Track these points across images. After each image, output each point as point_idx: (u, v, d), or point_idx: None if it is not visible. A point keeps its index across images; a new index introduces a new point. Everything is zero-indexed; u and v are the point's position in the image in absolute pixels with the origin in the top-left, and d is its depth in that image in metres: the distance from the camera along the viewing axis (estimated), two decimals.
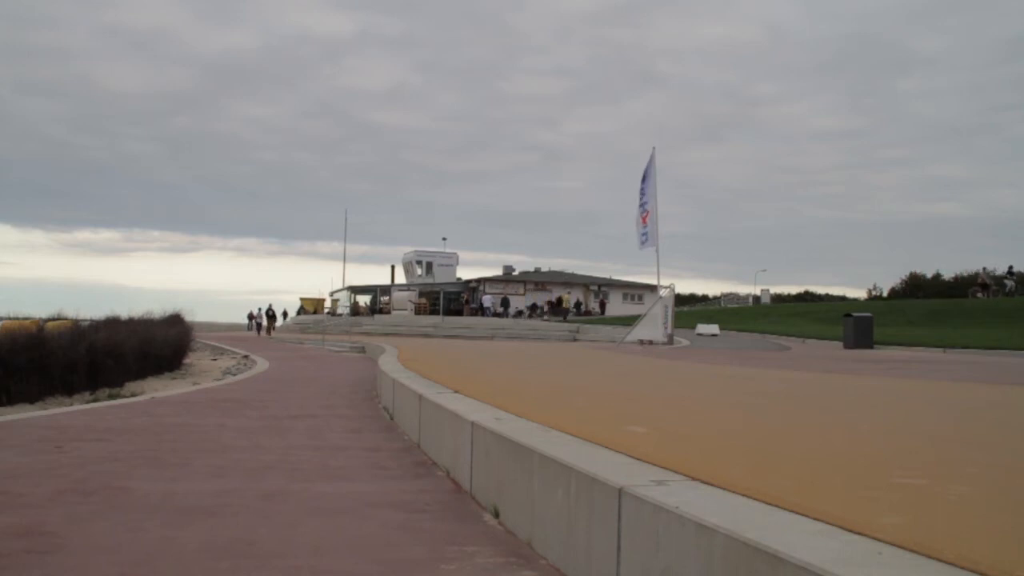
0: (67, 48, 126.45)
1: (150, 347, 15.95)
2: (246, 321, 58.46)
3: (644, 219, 25.68)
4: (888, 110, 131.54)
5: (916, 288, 69.19)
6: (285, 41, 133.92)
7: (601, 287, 57.02)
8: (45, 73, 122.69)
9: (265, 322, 40.27)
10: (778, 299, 71.85)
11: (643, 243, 25.74)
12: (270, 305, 42.68)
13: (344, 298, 54.35)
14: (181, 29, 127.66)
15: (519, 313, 49.62)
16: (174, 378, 15.55)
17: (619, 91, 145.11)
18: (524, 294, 53.76)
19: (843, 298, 73.34)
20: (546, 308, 51.18)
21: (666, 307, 25.46)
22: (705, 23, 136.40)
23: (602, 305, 54.47)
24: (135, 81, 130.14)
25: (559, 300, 52.93)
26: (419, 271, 54.84)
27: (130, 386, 13.26)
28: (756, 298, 68.39)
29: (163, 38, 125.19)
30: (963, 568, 1.65)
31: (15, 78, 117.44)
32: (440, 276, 54.44)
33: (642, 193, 25.79)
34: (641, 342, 24.28)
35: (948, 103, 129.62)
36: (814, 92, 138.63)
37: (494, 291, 52.24)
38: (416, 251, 56.15)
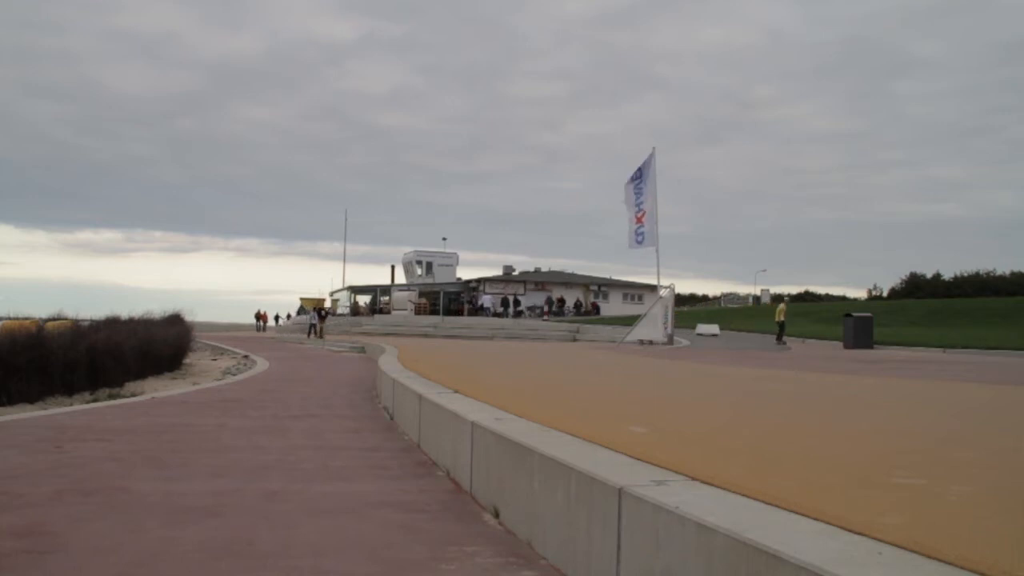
0: (73, 52, 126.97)
1: (150, 347, 15.93)
2: (253, 321, 58.55)
3: (639, 218, 25.62)
4: (887, 112, 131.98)
5: (916, 288, 69.21)
6: (289, 45, 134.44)
7: (601, 287, 57.01)
8: (51, 76, 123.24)
9: (318, 322, 34.91)
10: (778, 299, 71.86)
11: (637, 242, 25.69)
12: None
13: (344, 298, 54.35)
14: (186, 33, 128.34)
15: (519, 313, 49.64)
16: (174, 378, 15.54)
17: (619, 93, 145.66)
18: (524, 294, 53.77)
19: (843, 298, 73.43)
20: (546, 308, 51.20)
21: (666, 307, 25.44)
22: (704, 27, 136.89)
23: (595, 306, 54.45)
24: (140, 84, 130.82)
25: (561, 300, 53.06)
26: (419, 271, 54.83)
27: (130, 386, 13.25)
28: (756, 298, 68.44)
29: (168, 42, 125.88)
30: (963, 568, 1.65)
31: (22, 81, 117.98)
32: (440, 276, 54.43)
33: (639, 192, 25.72)
34: (641, 342, 24.27)
35: (946, 105, 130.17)
36: (813, 94, 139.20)
37: (494, 291, 52.24)
38: (416, 251, 56.15)
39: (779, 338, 27.38)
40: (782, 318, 27.96)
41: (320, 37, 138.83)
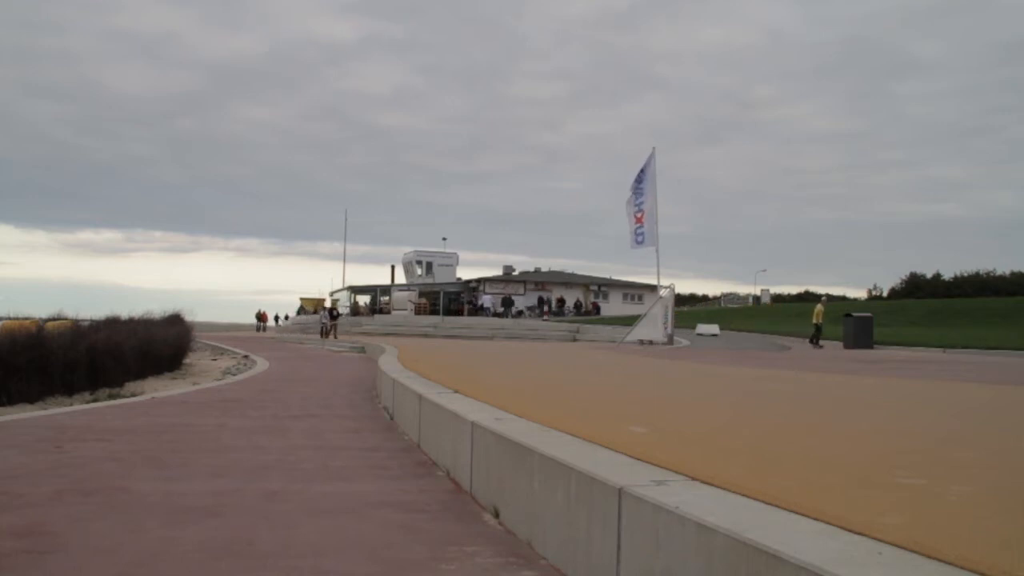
0: (73, 52, 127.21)
1: (150, 347, 15.92)
2: (254, 321, 58.58)
3: (639, 218, 25.62)
4: (887, 112, 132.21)
5: (916, 288, 69.28)
6: (289, 45, 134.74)
7: (601, 287, 57.01)
8: (51, 76, 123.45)
9: (328, 322, 32.31)
10: (778, 299, 71.93)
11: (638, 242, 25.69)
12: (334, 304, 38.21)
13: (344, 298, 54.35)
14: (186, 33, 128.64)
15: (519, 313, 49.64)
16: (174, 378, 15.53)
17: (619, 93, 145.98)
18: (523, 294, 53.77)
19: (843, 298, 73.40)
20: (545, 309, 51.19)
21: (666, 307, 25.45)
22: (704, 27, 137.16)
23: (595, 306, 54.46)
24: (140, 84, 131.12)
25: (561, 300, 53.07)
26: (419, 271, 54.84)
27: (130, 386, 13.24)
28: (756, 298, 68.50)
29: (168, 42, 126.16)
30: (963, 568, 1.65)
31: (22, 81, 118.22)
32: (440, 276, 54.43)
33: (639, 192, 25.73)
34: (641, 342, 24.27)
35: (946, 105, 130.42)
36: (813, 94, 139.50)
37: (494, 291, 52.23)
38: (416, 251, 56.17)
39: (815, 341, 26.15)
40: (819, 320, 26.47)
41: (320, 37, 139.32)
